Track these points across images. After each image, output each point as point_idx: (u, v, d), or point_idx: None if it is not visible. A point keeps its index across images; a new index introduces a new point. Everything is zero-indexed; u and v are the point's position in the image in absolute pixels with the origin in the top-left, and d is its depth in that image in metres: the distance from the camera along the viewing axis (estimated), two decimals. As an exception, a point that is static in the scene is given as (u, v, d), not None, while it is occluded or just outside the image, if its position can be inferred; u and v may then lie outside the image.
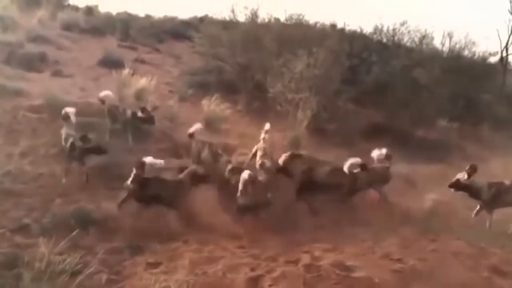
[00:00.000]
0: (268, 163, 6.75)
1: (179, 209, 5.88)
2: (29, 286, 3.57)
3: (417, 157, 8.97)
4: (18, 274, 3.75)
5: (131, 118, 7.71)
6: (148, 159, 5.88)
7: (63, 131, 6.64)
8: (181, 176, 6.10)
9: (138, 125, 7.82)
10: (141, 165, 5.81)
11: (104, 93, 7.77)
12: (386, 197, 6.72)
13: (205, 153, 6.99)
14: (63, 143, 6.60)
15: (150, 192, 5.81)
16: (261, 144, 7.14)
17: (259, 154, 7.01)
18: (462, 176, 6.26)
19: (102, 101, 7.73)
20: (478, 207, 6.31)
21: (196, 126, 7.23)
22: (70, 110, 6.73)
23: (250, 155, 7.37)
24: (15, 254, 4.36)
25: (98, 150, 6.59)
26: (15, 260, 4.19)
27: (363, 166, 6.55)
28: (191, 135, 7.18)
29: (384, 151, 7.03)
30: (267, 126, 7.31)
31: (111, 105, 7.78)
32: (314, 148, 8.41)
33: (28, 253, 3.96)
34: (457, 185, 6.32)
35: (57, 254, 3.96)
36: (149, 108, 7.96)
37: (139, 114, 7.78)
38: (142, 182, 5.77)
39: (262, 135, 7.22)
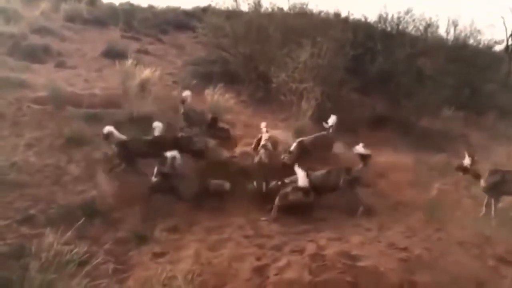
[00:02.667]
0: (269, 145, 7.03)
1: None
2: (36, 276, 3.58)
3: (421, 147, 8.97)
4: (25, 264, 3.76)
5: (211, 123, 7.73)
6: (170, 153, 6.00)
7: None
8: None
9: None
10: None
11: (186, 93, 7.75)
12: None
13: None
14: None
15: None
16: (264, 134, 7.38)
17: (263, 139, 7.23)
18: (466, 161, 6.32)
19: (183, 100, 7.66)
20: (486, 197, 6.28)
21: None
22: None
23: (253, 144, 7.46)
24: (21, 245, 4.39)
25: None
26: (21, 251, 4.21)
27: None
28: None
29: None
30: (263, 125, 7.58)
31: (189, 107, 7.76)
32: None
33: (35, 243, 3.97)
34: (461, 169, 6.43)
35: (64, 244, 3.97)
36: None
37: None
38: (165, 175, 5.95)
39: (263, 129, 7.48)
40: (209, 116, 7.82)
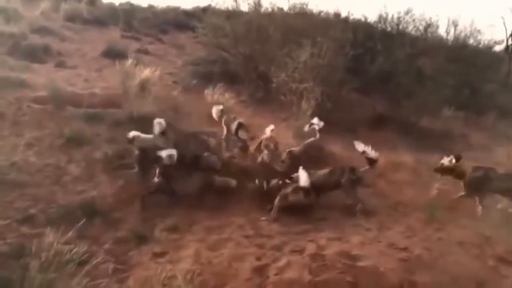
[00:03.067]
0: (271, 145, 7.01)
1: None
2: (36, 275, 3.58)
3: (421, 147, 8.98)
4: (25, 264, 3.76)
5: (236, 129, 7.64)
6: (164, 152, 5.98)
7: None
8: None
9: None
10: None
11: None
12: None
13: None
14: None
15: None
16: (267, 135, 7.34)
17: (264, 139, 7.22)
18: (448, 161, 6.39)
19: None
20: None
21: None
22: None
23: (256, 144, 7.46)
24: (21, 244, 4.39)
25: None
26: (21, 250, 4.21)
27: None
28: None
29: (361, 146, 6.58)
30: (271, 127, 7.50)
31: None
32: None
33: (35, 243, 3.96)
34: (439, 170, 6.49)
35: (64, 244, 3.97)
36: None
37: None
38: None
39: (268, 132, 7.41)
40: (236, 122, 7.72)
